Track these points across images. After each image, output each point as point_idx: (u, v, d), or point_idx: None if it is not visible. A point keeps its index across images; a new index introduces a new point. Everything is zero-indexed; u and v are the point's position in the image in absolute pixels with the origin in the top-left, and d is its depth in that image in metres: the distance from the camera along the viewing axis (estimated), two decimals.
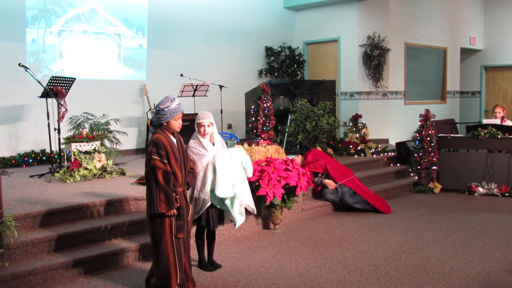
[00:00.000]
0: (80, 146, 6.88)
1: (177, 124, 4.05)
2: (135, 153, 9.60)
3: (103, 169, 6.84)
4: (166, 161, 3.91)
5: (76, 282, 4.44)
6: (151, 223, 4.00)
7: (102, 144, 7.21)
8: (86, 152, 6.86)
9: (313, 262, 4.95)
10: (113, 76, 9.47)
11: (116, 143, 7.97)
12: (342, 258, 5.08)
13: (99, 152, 6.87)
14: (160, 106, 3.98)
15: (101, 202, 5.41)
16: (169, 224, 3.96)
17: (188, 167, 4.21)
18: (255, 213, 4.93)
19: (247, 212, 4.91)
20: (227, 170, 4.50)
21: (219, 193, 4.43)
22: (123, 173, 7.08)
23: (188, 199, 4.21)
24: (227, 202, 4.55)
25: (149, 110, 9.38)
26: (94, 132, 7.43)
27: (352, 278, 4.52)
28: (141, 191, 5.81)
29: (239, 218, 4.64)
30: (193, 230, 4.71)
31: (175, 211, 3.93)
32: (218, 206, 4.59)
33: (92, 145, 6.98)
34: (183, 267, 4.05)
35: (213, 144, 4.60)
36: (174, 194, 3.93)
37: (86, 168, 6.67)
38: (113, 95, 9.31)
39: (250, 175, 4.87)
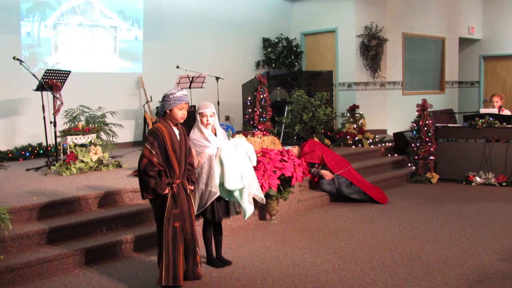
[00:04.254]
0: (75, 139, 6.86)
1: (180, 113, 3.98)
2: (132, 145, 9.59)
3: (99, 161, 6.84)
4: (155, 152, 3.87)
5: (71, 274, 4.44)
6: (152, 208, 4.07)
7: (98, 137, 7.20)
8: (82, 145, 6.85)
9: (308, 252, 4.95)
10: (109, 69, 9.43)
11: (112, 136, 7.96)
12: (338, 248, 5.08)
13: (95, 145, 6.86)
14: (166, 93, 3.98)
15: (97, 194, 5.41)
16: (167, 210, 3.91)
17: (189, 160, 4.13)
18: (264, 202, 4.85)
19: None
20: (234, 161, 4.41)
21: (229, 185, 4.34)
22: (119, 166, 7.07)
23: (188, 192, 4.10)
24: (236, 194, 4.45)
25: (146, 102, 9.35)
26: (90, 125, 7.41)
27: (347, 268, 4.52)
28: (137, 183, 5.77)
29: (249, 208, 4.52)
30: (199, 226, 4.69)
31: (168, 189, 3.90)
32: (226, 199, 4.48)
33: (88, 138, 6.96)
34: (181, 256, 3.97)
35: (215, 134, 4.50)
36: (166, 185, 3.90)
37: (82, 161, 6.67)
38: (109, 87, 9.28)
39: (255, 163, 4.75)
